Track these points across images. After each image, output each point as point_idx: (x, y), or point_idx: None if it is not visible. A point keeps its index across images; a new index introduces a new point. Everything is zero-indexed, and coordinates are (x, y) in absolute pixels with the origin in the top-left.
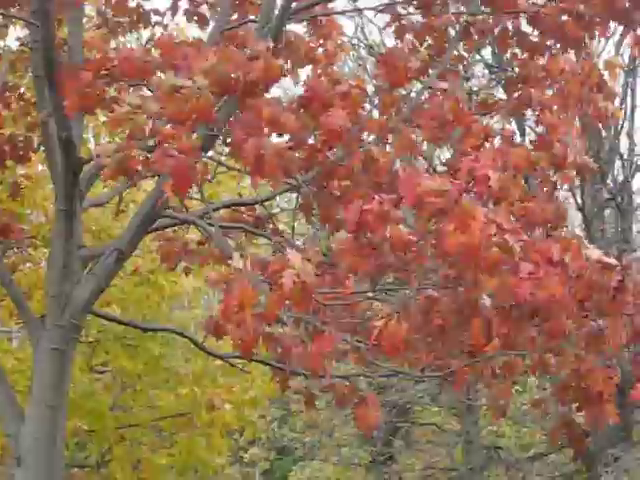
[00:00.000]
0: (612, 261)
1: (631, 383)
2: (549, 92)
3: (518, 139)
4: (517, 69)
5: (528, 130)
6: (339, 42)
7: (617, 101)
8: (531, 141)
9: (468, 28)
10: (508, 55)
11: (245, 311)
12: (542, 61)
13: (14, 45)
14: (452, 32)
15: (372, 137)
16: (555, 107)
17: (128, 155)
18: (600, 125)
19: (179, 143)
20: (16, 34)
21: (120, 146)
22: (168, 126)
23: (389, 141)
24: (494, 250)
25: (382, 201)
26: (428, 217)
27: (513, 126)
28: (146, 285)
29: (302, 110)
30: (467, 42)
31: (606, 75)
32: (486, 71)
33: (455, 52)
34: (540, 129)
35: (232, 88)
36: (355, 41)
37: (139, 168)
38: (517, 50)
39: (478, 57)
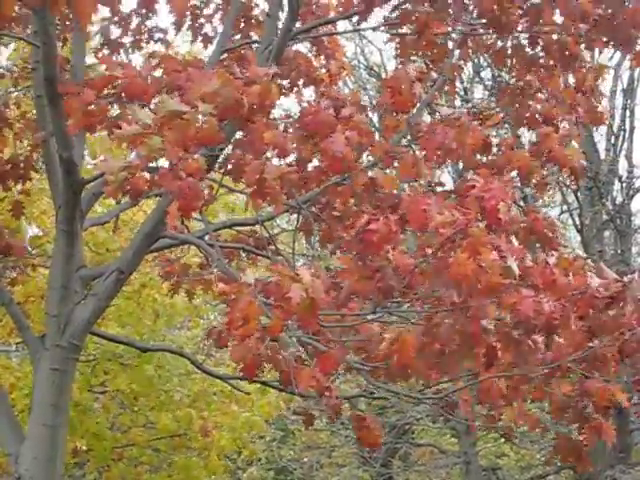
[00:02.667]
0: (613, 275)
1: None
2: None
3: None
4: (513, 81)
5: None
6: (340, 63)
7: (613, 117)
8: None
9: (465, 40)
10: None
11: (250, 325)
12: (538, 75)
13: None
14: (450, 44)
15: (375, 160)
16: (552, 117)
17: (134, 174)
18: (594, 127)
19: (186, 165)
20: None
21: (127, 165)
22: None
23: (393, 164)
24: (496, 274)
25: (388, 222)
26: (437, 246)
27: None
28: (137, 298)
29: (303, 134)
30: (464, 52)
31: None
32: (486, 92)
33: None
34: (534, 137)
35: (234, 112)
36: (355, 62)
37: (144, 188)
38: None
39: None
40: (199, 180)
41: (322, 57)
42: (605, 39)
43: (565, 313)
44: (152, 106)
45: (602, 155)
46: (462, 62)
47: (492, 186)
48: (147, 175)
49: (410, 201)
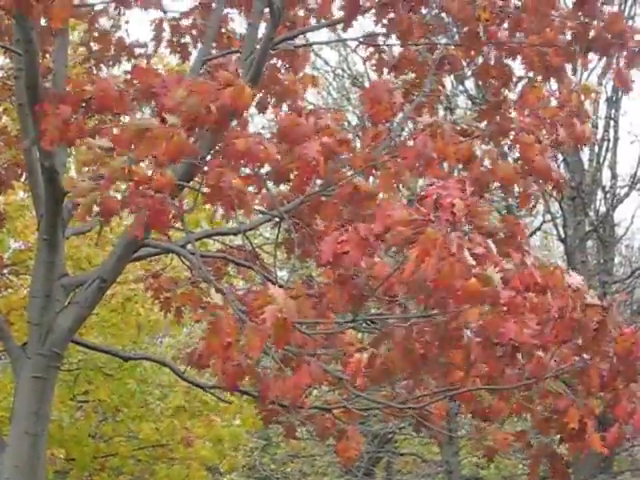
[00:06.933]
0: (594, 301)
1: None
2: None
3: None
4: (495, 97)
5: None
6: (308, 73)
7: (596, 127)
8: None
9: (444, 58)
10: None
11: (231, 348)
12: (519, 89)
13: None
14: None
15: (356, 170)
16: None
17: (104, 195)
18: (577, 147)
19: (153, 181)
20: None
21: (96, 186)
22: (142, 165)
23: (374, 174)
24: (472, 281)
25: (358, 231)
26: (398, 246)
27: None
28: (122, 312)
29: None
30: (439, 73)
31: (585, 101)
32: (469, 102)
33: (435, 83)
34: (516, 151)
35: (203, 121)
36: (339, 71)
37: (116, 208)
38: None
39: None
40: (169, 194)
41: (292, 70)
42: (585, 50)
43: (545, 335)
44: (128, 117)
45: (586, 165)
46: (441, 85)
47: (448, 184)
48: (118, 195)
49: (381, 207)
